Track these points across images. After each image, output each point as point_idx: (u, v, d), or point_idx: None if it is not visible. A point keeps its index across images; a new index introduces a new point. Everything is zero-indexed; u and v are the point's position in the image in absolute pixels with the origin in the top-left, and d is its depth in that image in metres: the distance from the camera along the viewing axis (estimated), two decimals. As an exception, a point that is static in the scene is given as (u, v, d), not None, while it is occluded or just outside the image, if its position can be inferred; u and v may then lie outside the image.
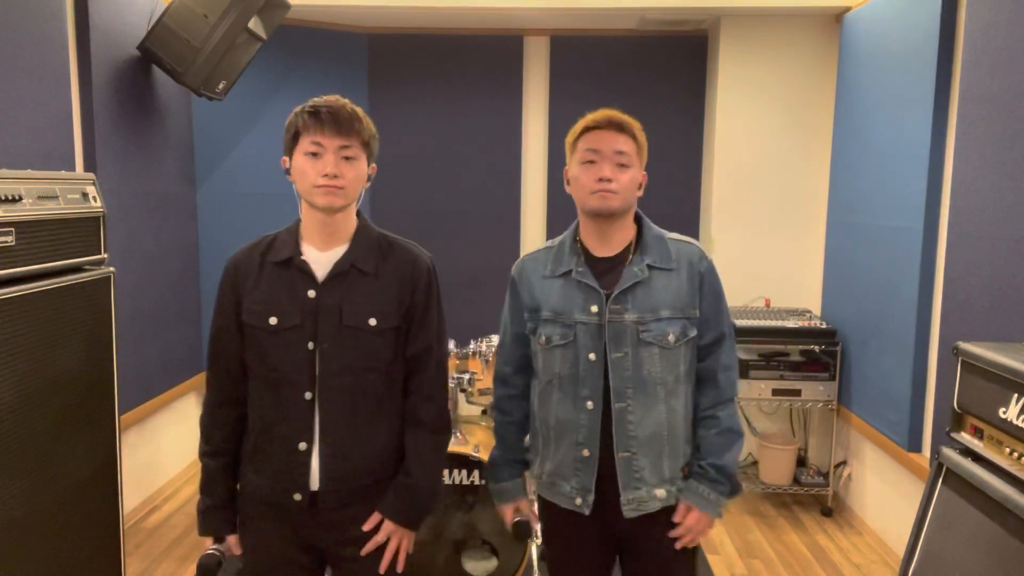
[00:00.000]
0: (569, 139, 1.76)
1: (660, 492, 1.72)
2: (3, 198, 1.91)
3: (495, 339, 3.17)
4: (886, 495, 3.42)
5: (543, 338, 1.75)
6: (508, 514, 1.91)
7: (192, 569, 3.11)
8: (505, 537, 2.76)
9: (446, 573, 2.75)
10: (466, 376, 3.08)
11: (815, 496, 3.89)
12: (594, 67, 4.38)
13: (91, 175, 2.31)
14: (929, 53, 2.95)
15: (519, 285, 1.81)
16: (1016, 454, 1.66)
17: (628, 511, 1.70)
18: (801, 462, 3.97)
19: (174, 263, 3.81)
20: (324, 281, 1.64)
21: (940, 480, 1.88)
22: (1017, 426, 1.65)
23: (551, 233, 4.48)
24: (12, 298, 1.91)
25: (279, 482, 1.64)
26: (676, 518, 1.73)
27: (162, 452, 3.86)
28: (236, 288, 1.67)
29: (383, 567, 1.68)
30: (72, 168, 2.95)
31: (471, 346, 3.17)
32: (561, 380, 1.73)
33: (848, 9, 3.75)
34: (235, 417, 1.71)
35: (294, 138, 1.61)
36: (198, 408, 4.23)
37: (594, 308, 1.70)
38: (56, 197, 2.10)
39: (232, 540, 1.73)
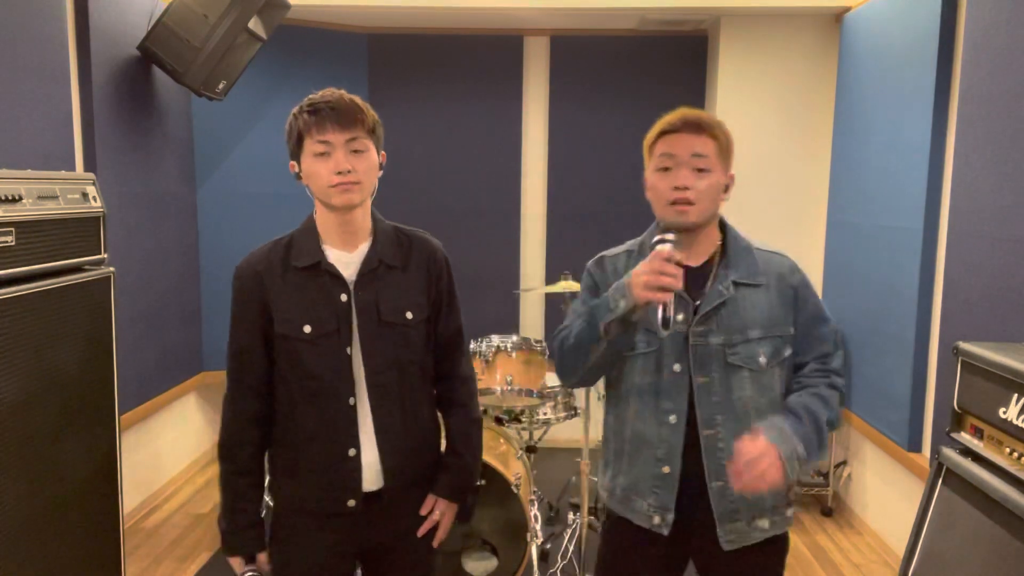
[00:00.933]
0: (646, 142, 1.65)
1: (763, 523, 1.61)
2: (3, 198, 1.91)
3: (495, 339, 3.17)
4: (886, 495, 3.42)
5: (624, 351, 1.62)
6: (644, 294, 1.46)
7: (192, 569, 3.11)
8: (505, 537, 2.77)
9: (446, 573, 2.75)
10: (466, 376, 3.08)
11: (815, 496, 3.89)
12: (594, 67, 4.38)
13: (91, 175, 2.31)
14: (929, 53, 2.95)
15: (601, 286, 1.68)
16: (1016, 454, 1.66)
17: (727, 544, 1.59)
18: (801, 462, 3.97)
19: (174, 263, 3.81)
20: (356, 281, 1.61)
21: (940, 480, 1.88)
22: (1017, 426, 1.65)
23: (551, 233, 4.49)
24: (12, 298, 1.91)
25: (330, 491, 1.61)
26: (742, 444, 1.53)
27: (162, 452, 3.85)
28: (261, 298, 1.60)
29: (436, 542, 1.76)
30: (72, 168, 2.94)
31: (471, 346, 3.17)
32: (641, 391, 1.62)
33: (848, 9, 3.75)
34: (261, 435, 1.66)
35: (298, 141, 1.56)
36: (198, 408, 4.23)
37: (680, 316, 1.58)
38: (56, 197, 2.10)
39: (262, 558, 1.68)
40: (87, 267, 2.25)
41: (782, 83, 4.03)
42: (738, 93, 4.06)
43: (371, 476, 1.62)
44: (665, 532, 1.61)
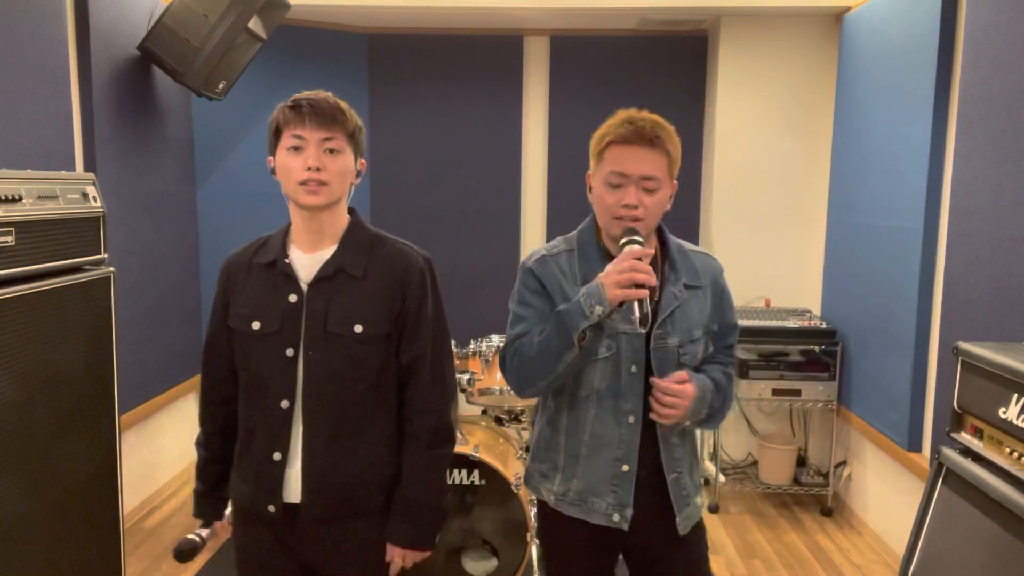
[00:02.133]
0: (593, 146, 1.65)
1: (698, 500, 1.74)
2: (3, 198, 1.91)
3: (495, 339, 3.17)
4: (886, 495, 3.42)
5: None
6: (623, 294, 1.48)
7: (192, 569, 3.11)
8: (505, 537, 2.77)
9: (446, 573, 2.75)
10: (466, 376, 3.08)
11: (815, 496, 3.89)
12: (594, 67, 4.38)
13: (91, 175, 2.31)
14: (929, 53, 2.95)
15: (549, 287, 1.66)
16: (1016, 454, 1.66)
17: (684, 528, 1.68)
18: (801, 462, 3.97)
19: (174, 263, 3.81)
20: (310, 285, 1.58)
21: (940, 480, 1.88)
22: (1017, 426, 1.65)
23: (551, 233, 4.48)
24: (12, 298, 1.91)
25: (256, 492, 1.61)
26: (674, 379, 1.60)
27: (162, 452, 3.85)
28: (226, 291, 1.66)
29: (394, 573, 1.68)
30: (72, 168, 2.94)
31: (471, 346, 3.16)
32: (599, 394, 1.64)
33: (848, 9, 3.75)
34: (225, 415, 1.71)
35: (276, 134, 1.56)
36: (198, 408, 4.23)
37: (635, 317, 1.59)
38: (56, 197, 2.10)
39: (218, 526, 1.73)
40: (87, 267, 2.25)
41: (782, 83, 4.03)
42: (738, 93, 4.06)
43: (294, 487, 1.58)
44: (625, 527, 1.66)
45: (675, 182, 1.65)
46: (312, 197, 1.54)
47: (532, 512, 2.80)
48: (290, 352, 1.57)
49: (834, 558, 3.30)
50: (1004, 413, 1.69)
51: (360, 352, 1.57)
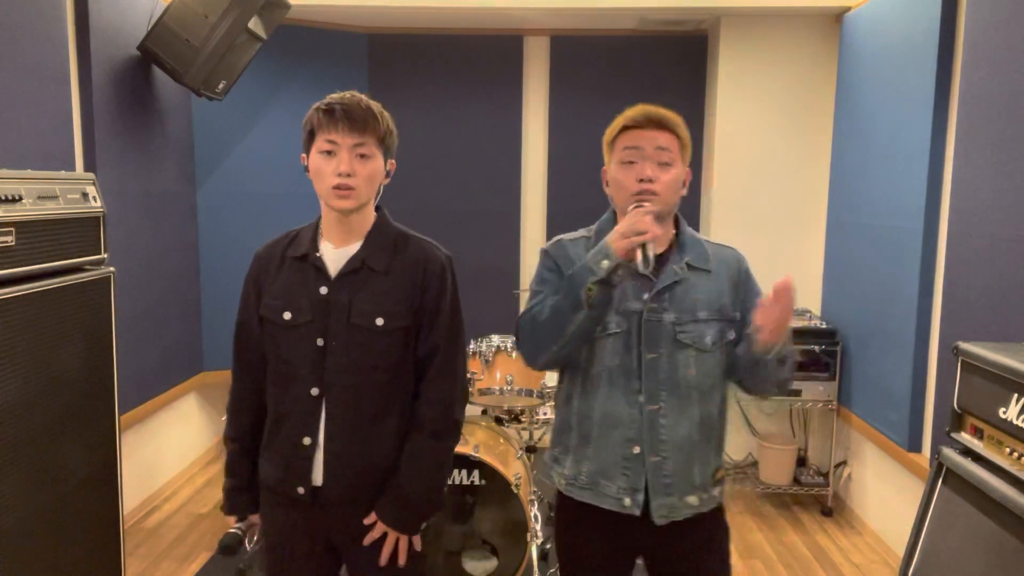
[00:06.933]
0: (607, 138, 1.70)
1: (692, 499, 1.66)
2: (3, 198, 1.91)
3: (495, 339, 3.17)
4: (886, 495, 3.42)
5: (598, 326, 1.64)
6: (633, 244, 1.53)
7: (192, 569, 3.11)
8: (505, 537, 2.77)
9: (446, 573, 2.75)
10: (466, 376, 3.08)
11: (815, 496, 3.89)
12: (594, 67, 4.38)
13: (91, 175, 2.31)
14: (929, 53, 2.95)
15: (563, 267, 1.69)
16: (1016, 454, 1.66)
17: (658, 518, 1.64)
18: (801, 462, 3.97)
19: (174, 263, 3.81)
20: (336, 278, 1.65)
21: (940, 480, 1.88)
22: (1017, 426, 1.65)
23: (551, 233, 4.47)
24: (12, 298, 1.91)
25: (286, 474, 1.67)
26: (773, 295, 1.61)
27: (162, 452, 3.85)
28: (258, 282, 1.71)
29: (382, 561, 1.68)
30: (72, 168, 2.94)
31: (471, 346, 3.16)
32: (611, 372, 1.65)
33: (848, 9, 3.75)
34: (259, 404, 1.74)
35: (310, 136, 1.62)
36: (198, 408, 4.24)
37: (646, 296, 1.64)
38: (56, 197, 2.10)
39: (254, 519, 1.77)
40: (87, 267, 2.25)
41: (782, 83, 4.03)
42: (738, 93, 4.06)
43: (321, 471, 1.65)
44: (636, 512, 1.63)
45: (688, 170, 1.70)
46: (342, 202, 1.60)
47: (532, 512, 2.80)
48: (320, 342, 1.63)
49: (834, 558, 3.30)
50: (1004, 413, 1.69)
51: (381, 344, 1.64)
